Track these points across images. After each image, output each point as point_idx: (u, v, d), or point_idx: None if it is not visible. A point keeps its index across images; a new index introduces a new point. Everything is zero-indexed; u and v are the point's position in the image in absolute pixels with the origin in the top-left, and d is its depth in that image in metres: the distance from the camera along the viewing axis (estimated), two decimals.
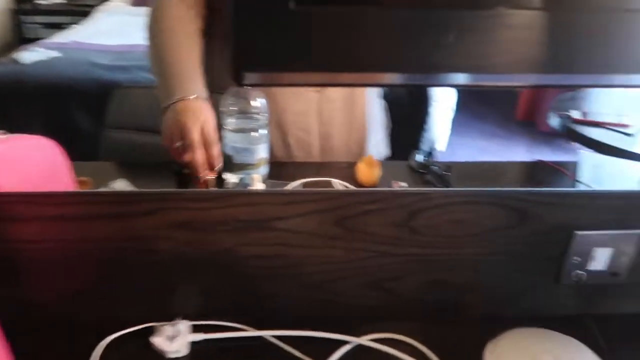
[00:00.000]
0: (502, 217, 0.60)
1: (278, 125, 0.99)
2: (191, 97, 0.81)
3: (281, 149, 1.01)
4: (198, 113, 0.79)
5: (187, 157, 0.78)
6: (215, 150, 0.78)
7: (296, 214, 0.58)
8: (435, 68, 0.35)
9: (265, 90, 0.96)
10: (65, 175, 0.68)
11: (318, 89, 0.98)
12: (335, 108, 1.00)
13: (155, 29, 0.90)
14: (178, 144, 0.79)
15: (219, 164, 0.79)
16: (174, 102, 0.81)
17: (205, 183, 0.78)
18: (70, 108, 1.72)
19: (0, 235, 0.58)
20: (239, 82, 0.37)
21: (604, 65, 0.35)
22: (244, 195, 0.58)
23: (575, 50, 0.34)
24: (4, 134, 0.65)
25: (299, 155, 1.02)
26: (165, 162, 0.98)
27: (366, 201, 0.58)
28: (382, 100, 1.13)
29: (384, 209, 0.58)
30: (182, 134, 0.78)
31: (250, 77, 0.36)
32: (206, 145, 0.78)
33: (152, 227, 0.59)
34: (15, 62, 2.00)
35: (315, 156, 1.02)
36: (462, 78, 0.37)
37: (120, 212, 0.58)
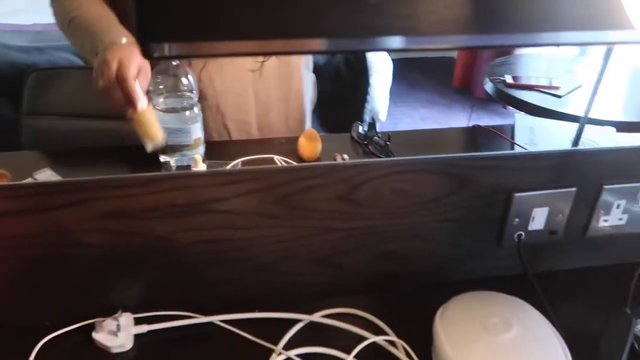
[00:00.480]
0: (443, 183, 0.60)
1: (217, 110, 0.95)
2: (121, 41, 0.75)
3: (219, 132, 0.97)
4: (120, 51, 0.72)
5: (103, 93, 0.72)
6: (130, 85, 0.71)
7: (235, 195, 0.56)
8: (361, 31, 0.33)
9: (201, 74, 0.91)
10: None
11: (255, 67, 0.94)
12: (271, 86, 0.97)
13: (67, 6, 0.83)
14: (100, 82, 0.72)
15: (141, 100, 0.72)
16: (104, 47, 0.74)
17: (136, 122, 0.72)
18: None
19: None
20: (149, 56, 0.33)
21: (532, 23, 0.34)
22: (176, 178, 0.54)
23: (503, 8, 0.33)
24: None
25: (238, 137, 0.99)
26: (93, 147, 0.92)
27: (306, 177, 0.56)
28: (311, 74, 1.11)
29: (325, 183, 0.57)
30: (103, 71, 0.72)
31: (160, 48, 0.32)
32: (120, 79, 0.71)
33: (80, 219, 0.54)
34: None
35: (254, 136, 0.99)
36: (391, 42, 0.35)
37: (43, 205, 0.54)
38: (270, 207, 0.57)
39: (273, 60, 0.95)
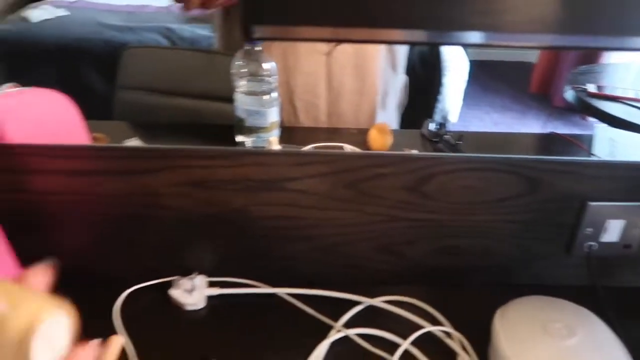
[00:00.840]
0: (514, 184, 0.60)
1: (286, 86, 0.97)
2: None
3: (288, 111, 1.00)
4: None
5: None
6: None
7: (308, 175, 0.58)
8: (447, 25, 0.34)
9: (274, 50, 0.94)
10: (78, 129, 0.68)
11: (327, 51, 0.96)
12: (345, 74, 0.99)
13: None
14: None
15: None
16: None
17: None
18: (80, 68, 1.71)
19: (17, 186, 0.58)
20: (249, 36, 0.36)
21: (625, 26, 0.34)
22: (255, 154, 0.58)
23: (595, 9, 0.33)
24: (16, 86, 0.65)
25: (306, 120, 1.01)
26: (176, 123, 0.98)
27: (377, 164, 0.57)
28: (404, 77, 1.11)
29: (395, 173, 0.58)
30: None
31: (259, 30, 0.35)
32: None
33: (164, 184, 0.59)
34: (24, 20, 1.99)
35: (323, 122, 1.01)
36: (474, 37, 0.36)
37: (134, 168, 0.59)
38: (340, 190, 0.59)
39: (347, 49, 0.96)
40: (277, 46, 0.95)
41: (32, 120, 0.63)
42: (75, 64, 1.73)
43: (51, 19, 1.99)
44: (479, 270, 0.66)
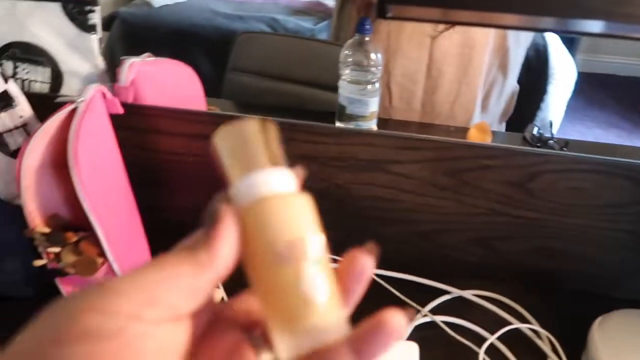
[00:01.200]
0: (627, 191, 0.57)
1: (384, 69, 0.97)
2: None
3: (382, 94, 0.99)
4: None
5: None
6: None
7: (412, 160, 0.60)
8: (569, 10, 0.33)
9: (379, 33, 0.95)
10: (201, 99, 0.75)
11: (433, 35, 0.94)
12: (447, 62, 0.96)
13: None
14: None
15: None
16: None
17: None
18: (191, 51, 1.83)
19: (149, 145, 0.65)
20: (383, 15, 0.38)
21: None
22: (364, 134, 0.60)
23: None
24: (150, 56, 0.72)
25: (399, 105, 0.99)
26: (280, 106, 1.02)
27: (485, 156, 0.58)
28: (514, 85, 1.08)
29: (502, 166, 0.58)
30: None
31: (392, 9, 0.37)
32: None
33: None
34: (147, 4, 2.16)
35: (416, 110, 1.00)
36: (594, 26, 0.35)
37: None
38: (442, 178, 0.60)
39: (454, 36, 0.94)
40: (383, 28, 0.95)
41: (164, 86, 0.70)
42: (187, 48, 1.85)
43: (170, 4, 2.15)
44: (576, 277, 0.64)
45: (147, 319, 0.19)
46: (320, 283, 0.22)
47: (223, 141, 0.24)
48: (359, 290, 0.22)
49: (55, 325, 0.18)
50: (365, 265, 0.23)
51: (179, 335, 0.21)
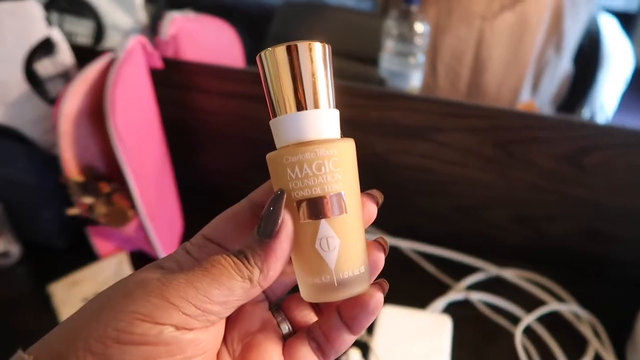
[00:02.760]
0: None
1: (432, 47, 0.95)
2: None
3: (428, 74, 0.97)
4: None
5: None
6: None
7: (456, 128, 0.57)
8: None
9: (429, 10, 0.92)
10: (241, 58, 0.73)
11: (486, 16, 0.91)
12: (498, 45, 0.93)
13: None
14: None
15: None
16: None
17: None
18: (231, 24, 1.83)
19: (187, 103, 0.64)
20: None
21: None
22: (406, 97, 0.57)
23: None
24: (193, 12, 0.71)
25: (445, 85, 0.97)
26: None
27: (535, 126, 0.54)
28: (569, 66, 1.03)
29: (553, 138, 0.54)
30: None
31: None
32: None
33: None
34: None
35: (461, 92, 0.97)
36: None
37: None
38: (488, 149, 0.57)
39: (508, 18, 0.91)
40: (433, 5, 0.93)
41: (205, 44, 0.69)
42: (228, 20, 1.86)
43: None
44: (626, 262, 0.60)
45: (196, 327, 0.20)
46: (334, 243, 0.21)
47: (273, 62, 0.22)
48: (370, 320, 0.23)
49: (113, 323, 0.19)
50: (371, 211, 0.24)
51: (219, 332, 0.22)
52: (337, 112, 0.23)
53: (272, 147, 0.23)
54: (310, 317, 0.25)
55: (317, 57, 0.22)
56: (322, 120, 0.22)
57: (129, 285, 0.20)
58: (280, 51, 0.21)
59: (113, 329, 0.19)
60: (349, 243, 0.22)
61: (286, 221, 0.21)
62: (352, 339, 0.23)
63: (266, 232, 0.21)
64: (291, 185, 0.21)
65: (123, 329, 0.19)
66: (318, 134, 0.22)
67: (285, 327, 0.24)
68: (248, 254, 0.21)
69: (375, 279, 0.23)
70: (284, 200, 0.21)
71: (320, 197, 0.21)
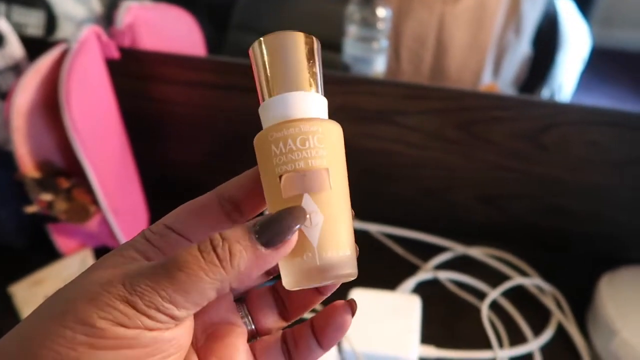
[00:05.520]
0: None
1: (394, 32, 0.95)
2: None
3: (392, 58, 0.98)
4: None
5: None
6: None
7: (420, 111, 0.57)
8: None
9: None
10: (201, 48, 0.72)
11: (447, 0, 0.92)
12: (458, 27, 0.94)
13: None
14: None
15: None
16: None
17: None
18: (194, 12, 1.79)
19: (146, 94, 0.62)
20: None
21: None
22: (367, 82, 0.57)
23: None
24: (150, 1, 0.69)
25: (408, 70, 0.98)
26: None
27: (497, 106, 0.55)
28: (528, 49, 1.05)
29: (515, 118, 0.55)
30: None
31: None
32: None
33: None
34: None
35: (424, 75, 0.98)
36: None
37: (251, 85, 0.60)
38: (451, 130, 0.57)
39: (469, 0, 0.92)
40: None
41: (163, 33, 0.67)
42: (189, 8, 1.82)
43: None
44: (586, 237, 0.62)
45: (170, 327, 0.19)
46: (317, 218, 0.21)
47: (264, 49, 0.23)
48: (338, 337, 0.23)
49: (81, 329, 0.18)
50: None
51: (192, 323, 0.21)
52: (325, 100, 0.24)
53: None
54: (273, 317, 0.25)
55: (308, 46, 0.23)
56: (309, 102, 0.22)
57: (92, 288, 0.19)
58: (274, 38, 0.23)
59: (82, 334, 0.18)
60: (333, 221, 0.21)
61: (295, 239, 0.20)
62: (319, 352, 0.23)
63: (267, 240, 0.19)
64: (275, 161, 0.21)
65: (94, 335, 0.18)
66: (304, 114, 0.22)
67: (250, 325, 0.24)
68: (225, 252, 0.19)
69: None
70: (304, 218, 0.20)
71: (303, 170, 0.21)
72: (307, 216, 0.21)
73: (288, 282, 0.22)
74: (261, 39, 0.23)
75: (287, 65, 0.22)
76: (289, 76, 0.22)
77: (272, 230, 0.19)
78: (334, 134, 0.22)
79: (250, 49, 0.23)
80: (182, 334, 0.20)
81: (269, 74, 0.22)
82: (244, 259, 0.19)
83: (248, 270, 0.19)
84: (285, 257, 0.21)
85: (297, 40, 0.23)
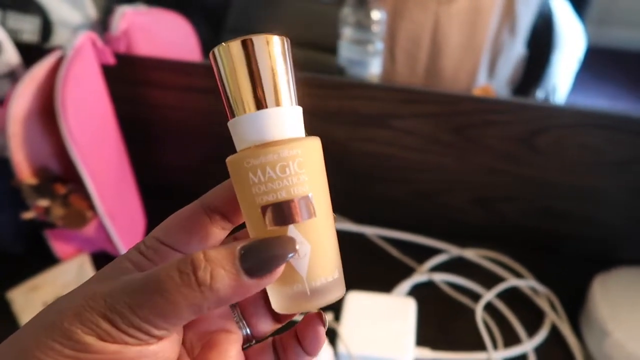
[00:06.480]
0: (636, 148, 0.55)
1: (389, 33, 0.96)
2: None
3: (387, 59, 0.98)
4: None
5: None
6: None
7: (414, 114, 0.57)
8: None
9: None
10: (197, 54, 0.72)
11: (442, 0, 0.92)
12: (453, 28, 0.95)
13: None
14: None
15: None
16: None
17: None
18: (190, 16, 1.80)
19: (142, 99, 0.63)
20: None
21: None
22: (363, 87, 0.58)
23: None
24: (144, 6, 0.69)
25: (404, 71, 0.98)
26: None
27: (491, 110, 0.55)
28: (522, 49, 1.05)
29: (508, 121, 0.56)
30: None
31: None
32: None
33: None
34: None
35: (420, 76, 0.98)
36: None
37: None
38: (445, 134, 0.58)
39: (463, 1, 0.92)
40: None
41: (158, 38, 0.67)
42: (184, 12, 1.82)
43: None
44: (579, 238, 0.62)
45: (153, 342, 0.19)
46: (305, 249, 0.20)
47: (228, 58, 0.20)
48: (318, 346, 0.23)
49: (68, 343, 0.18)
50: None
51: (180, 336, 0.22)
52: (300, 109, 0.22)
53: (232, 140, 0.22)
54: (266, 320, 0.24)
55: (275, 51, 0.20)
56: (284, 119, 0.21)
57: (79, 301, 0.19)
58: (235, 46, 0.20)
59: (69, 348, 0.18)
60: (321, 248, 0.21)
61: (281, 270, 0.19)
62: (307, 358, 0.23)
63: (251, 266, 0.19)
64: (254, 190, 0.20)
65: (80, 349, 0.18)
66: (280, 134, 0.21)
67: (244, 330, 0.24)
68: (206, 276, 0.18)
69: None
70: (293, 250, 0.19)
71: (286, 201, 0.20)
72: (297, 247, 0.19)
73: (277, 306, 0.22)
74: (225, 44, 0.20)
75: (258, 76, 0.20)
76: (261, 89, 0.20)
77: (257, 259, 0.19)
78: (314, 153, 0.21)
79: (213, 54, 0.21)
80: (168, 346, 0.20)
81: (239, 86, 0.20)
82: (225, 286, 0.18)
83: (228, 297, 0.19)
84: (273, 287, 0.21)
85: (268, 45, 0.20)
